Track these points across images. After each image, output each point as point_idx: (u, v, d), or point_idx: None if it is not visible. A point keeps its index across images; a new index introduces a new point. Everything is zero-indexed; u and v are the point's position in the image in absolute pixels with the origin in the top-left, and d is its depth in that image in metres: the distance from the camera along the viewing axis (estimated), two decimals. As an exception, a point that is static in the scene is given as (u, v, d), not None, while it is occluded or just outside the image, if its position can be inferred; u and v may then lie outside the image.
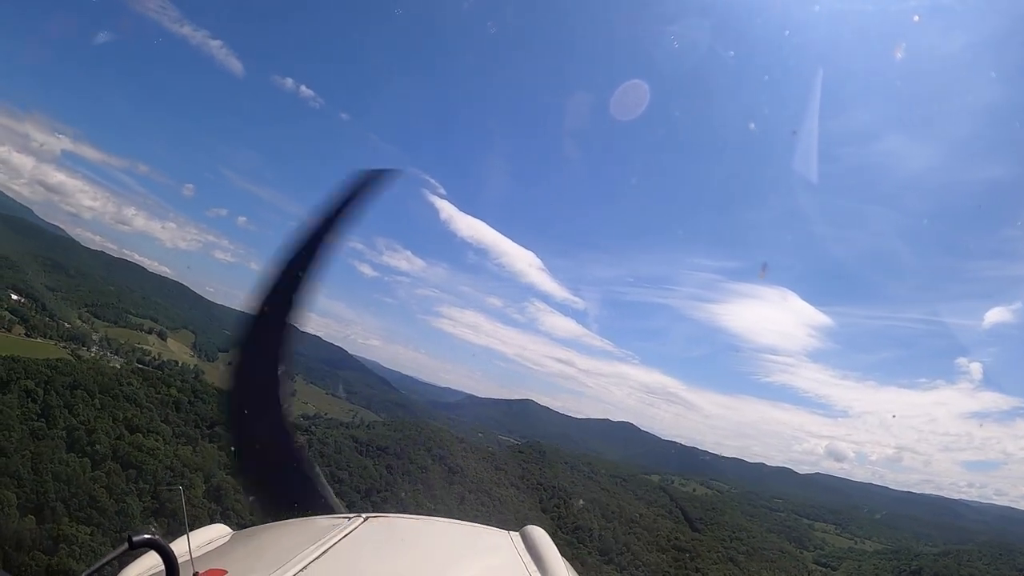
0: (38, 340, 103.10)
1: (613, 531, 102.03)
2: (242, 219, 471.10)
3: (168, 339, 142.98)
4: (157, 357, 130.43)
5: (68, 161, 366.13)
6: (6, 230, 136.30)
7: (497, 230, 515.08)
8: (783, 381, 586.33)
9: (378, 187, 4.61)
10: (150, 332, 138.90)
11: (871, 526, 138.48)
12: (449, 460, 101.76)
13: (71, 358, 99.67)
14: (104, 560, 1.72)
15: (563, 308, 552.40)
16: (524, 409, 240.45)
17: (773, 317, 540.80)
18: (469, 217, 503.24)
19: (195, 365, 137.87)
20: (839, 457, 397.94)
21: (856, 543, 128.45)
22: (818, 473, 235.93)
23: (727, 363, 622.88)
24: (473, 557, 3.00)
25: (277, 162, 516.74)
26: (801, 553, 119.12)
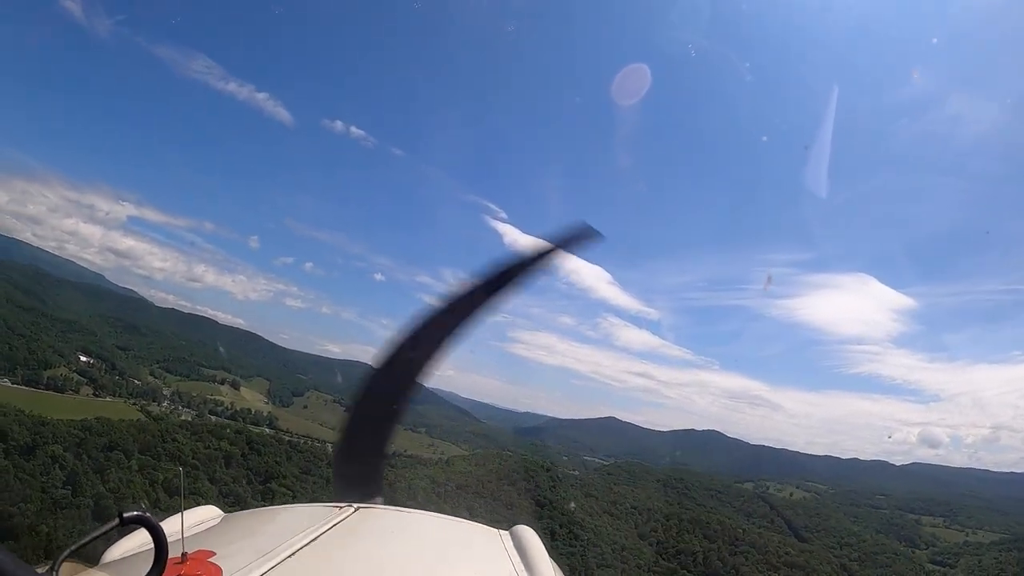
0: (107, 399, 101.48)
1: (718, 552, 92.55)
2: (308, 265, 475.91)
3: (241, 388, 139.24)
4: (230, 407, 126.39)
5: (135, 226, 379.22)
6: (79, 296, 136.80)
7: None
8: (869, 371, 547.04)
9: (573, 249, 3.97)
10: (223, 383, 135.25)
11: (980, 514, 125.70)
12: (536, 492, 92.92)
13: (140, 414, 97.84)
14: (94, 535, 1.66)
15: (637, 320, 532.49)
16: (607, 427, 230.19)
17: (853, 305, 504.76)
18: (533, 238, 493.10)
19: (269, 412, 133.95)
20: (934, 443, 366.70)
21: (968, 535, 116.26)
22: (915, 463, 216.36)
23: (809, 358, 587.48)
24: (461, 552, 2.94)
25: (336, 205, 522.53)
26: (914, 553, 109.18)
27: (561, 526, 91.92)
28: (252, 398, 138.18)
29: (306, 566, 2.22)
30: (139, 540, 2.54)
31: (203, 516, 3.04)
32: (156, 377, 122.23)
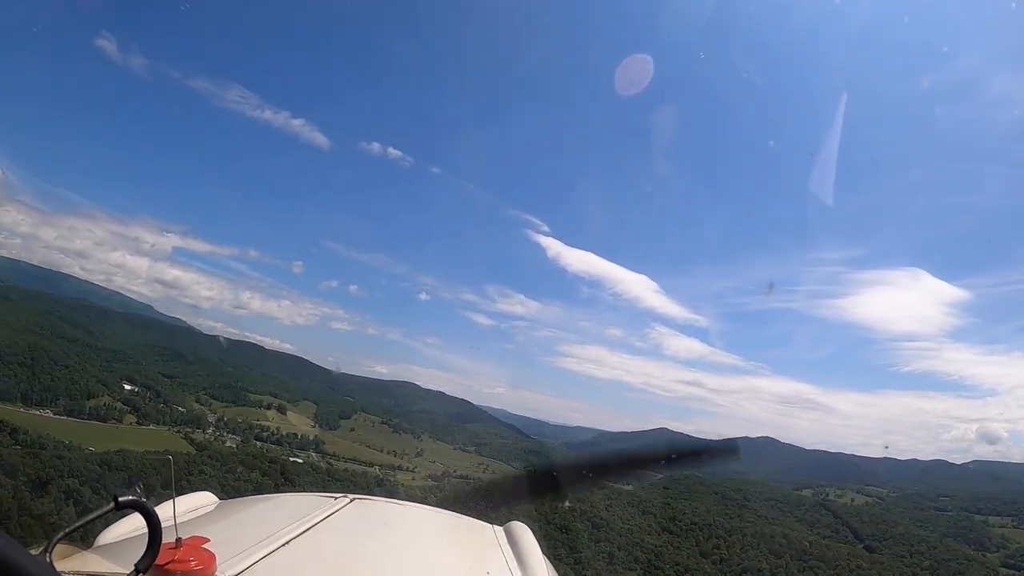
0: (151, 427, 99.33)
1: (786, 568, 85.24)
2: (353, 287, 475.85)
3: (288, 412, 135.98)
4: (276, 431, 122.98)
5: (180, 256, 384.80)
6: (126, 327, 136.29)
7: (607, 259, 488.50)
8: (924, 368, 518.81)
9: (715, 464, 4.22)
10: (269, 407, 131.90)
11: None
12: (592, 514, 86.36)
13: (185, 442, 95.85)
14: (89, 517, 1.63)
15: (685, 329, 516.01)
16: (659, 439, 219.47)
17: (906, 301, 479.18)
18: (577, 250, 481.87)
19: (316, 435, 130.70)
20: (992, 439, 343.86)
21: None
22: (975, 460, 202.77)
23: (861, 358, 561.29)
24: (455, 545, 2.93)
25: (378, 226, 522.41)
26: (985, 556, 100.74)
27: (619, 548, 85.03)
28: (299, 422, 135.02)
29: (300, 555, 2.21)
30: (133, 524, 2.49)
31: (199, 502, 3.00)
32: (202, 404, 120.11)
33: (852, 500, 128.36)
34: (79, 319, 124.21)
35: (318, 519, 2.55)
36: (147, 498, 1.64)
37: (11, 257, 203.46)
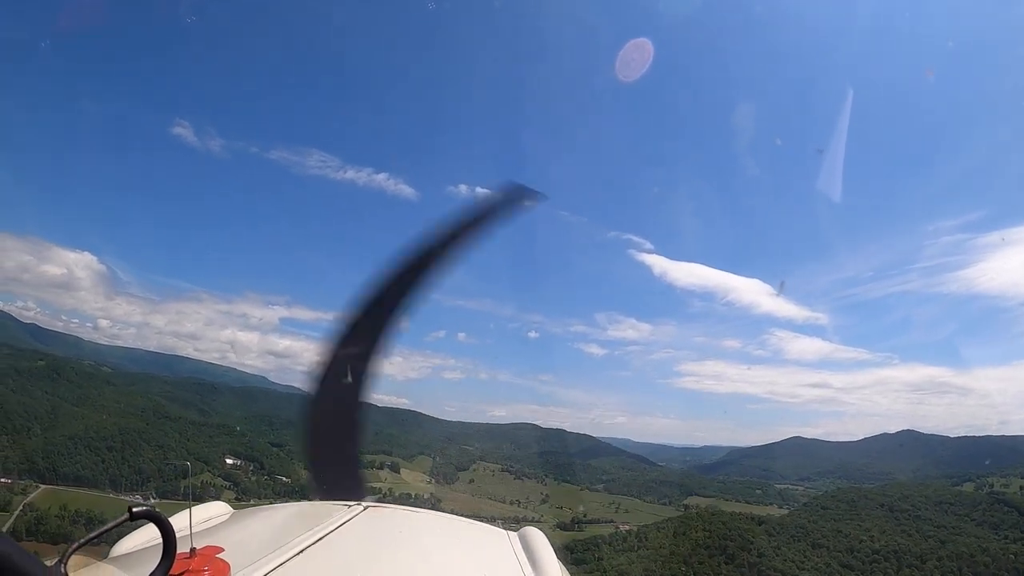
0: (251, 502, 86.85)
1: None
2: (461, 335, 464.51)
3: (401, 470, 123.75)
4: (388, 492, 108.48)
5: (288, 326, 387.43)
6: (236, 400, 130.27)
7: (716, 268, 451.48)
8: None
9: (515, 208, 4.00)
10: (381, 467, 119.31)
11: None
12: (761, 565, 66.76)
13: None
14: (103, 529, 1.59)
15: (804, 329, 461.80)
16: (793, 447, 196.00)
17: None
18: (683, 263, 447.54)
19: (431, 493, 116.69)
20: None
21: None
22: None
23: (994, 329, 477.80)
24: (468, 551, 2.83)
25: (477, 269, 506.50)
26: None
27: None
28: (413, 479, 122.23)
29: (314, 563, 2.14)
30: (148, 535, 2.44)
31: (213, 512, 2.96)
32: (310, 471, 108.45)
33: (1022, 488, 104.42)
34: (190, 398, 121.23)
35: (332, 527, 2.43)
36: (161, 509, 1.60)
37: (127, 346, 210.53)
